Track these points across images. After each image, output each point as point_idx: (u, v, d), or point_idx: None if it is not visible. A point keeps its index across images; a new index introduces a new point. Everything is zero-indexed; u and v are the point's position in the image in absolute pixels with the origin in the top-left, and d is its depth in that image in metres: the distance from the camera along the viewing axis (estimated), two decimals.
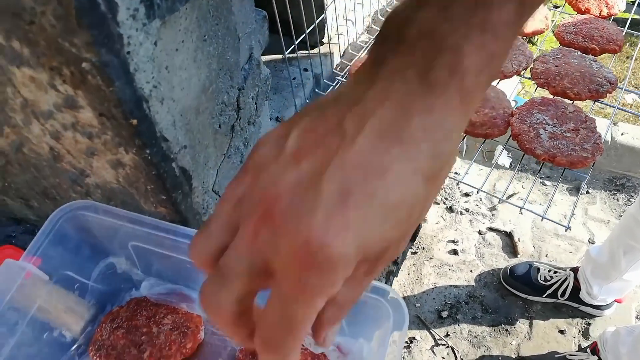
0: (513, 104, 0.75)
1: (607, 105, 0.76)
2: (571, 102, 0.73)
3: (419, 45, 0.22)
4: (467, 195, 1.87)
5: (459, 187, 1.89)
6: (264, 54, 0.85)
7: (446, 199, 1.87)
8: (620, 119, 2.08)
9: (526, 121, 0.70)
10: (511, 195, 1.83)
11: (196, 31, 0.47)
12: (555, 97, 0.74)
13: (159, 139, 0.40)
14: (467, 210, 1.83)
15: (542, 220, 0.75)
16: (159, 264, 0.55)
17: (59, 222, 0.48)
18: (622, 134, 1.77)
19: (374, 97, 0.22)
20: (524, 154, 0.69)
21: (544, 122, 0.70)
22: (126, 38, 0.33)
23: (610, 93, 0.73)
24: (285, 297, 0.23)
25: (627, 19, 0.87)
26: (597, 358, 1.37)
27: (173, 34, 0.44)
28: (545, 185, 1.87)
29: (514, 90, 0.80)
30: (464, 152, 1.97)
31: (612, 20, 0.84)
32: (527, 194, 0.72)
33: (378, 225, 0.22)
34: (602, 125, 1.81)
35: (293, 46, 0.72)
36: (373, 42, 0.27)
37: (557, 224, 0.66)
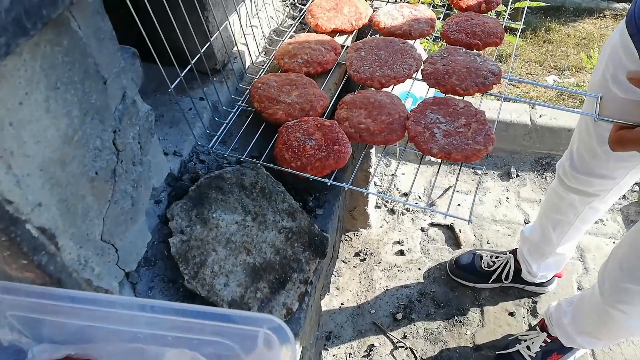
0: (408, 102, 0.76)
1: (494, 96, 0.79)
2: (461, 97, 0.75)
3: None
4: (405, 195, 1.90)
5: (397, 189, 1.92)
6: (154, 89, 0.83)
7: (386, 201, 1.89)
8: (539, 101, 2.18)
9: (421, 122, 0.71)
10: (447, 189, 1.87)
11: (43, 81, 0.45)
12: (446, 95, 0.76)
13: (0, 203, 0.37)
14: (407, 209, 1.86)
15: (445, 217, 0.75)
16: (48, 329, 0.51)
17: None
18: (540, 116, 1.85)
19: None
20: None
21: (437, 121, 0.71)
22: None
23: (496, 84, 0.75)
24: None
25: (506, 11, 0.91)
26: (547, 334, 1.41)
27: (12, 88, 0.41)
28: (477, 174, 1.93)
29: (410, 91, 0.82)
30: (397, 154, 2.00)
31: (495, 13, 0.88)
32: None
33: None
34: (521, 109, 1.89)
35: (179, 79, 0.70)
36: None
37: (460, 218, 0.67)
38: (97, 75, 0.52)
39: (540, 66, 3.10)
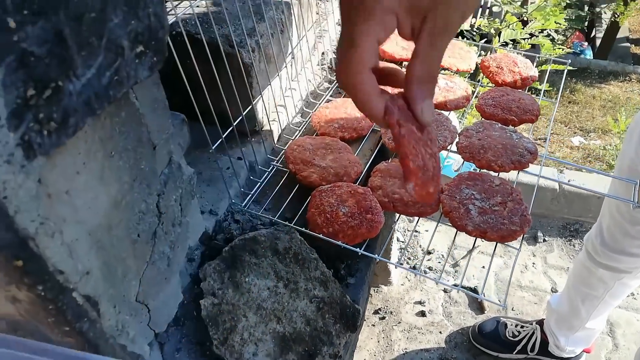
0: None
1: (530, 174, 0.78)
2: (497, 174, 0.75)
3: None
4: (429, 253, 1.88)
5: (419, 245, 1.90)
6: (195, 146, 0.85)
7: (409, 258, 1.86)
8: (566, 167, 2.17)
9: (456, 197, 0.71)
10: (472, 249, 1.84)
11: (100, 150, 0.47)
12: (481, 170, 0.76)
13: (52, 274, 0.38)
14: (430, 268, 1.83)
15: (457, 292, 0.74)
16: None
17: None
18: (569, 181, 1.83)
19: None
20: None
21: (472, 197, 0.71)
22: (1, 184, 0.32)
23: (532, 162, 0.75)
24: None
25: (541, 90, 0.93)
26: None
27: (72, 159, 0.43)
28: None
29: (442, 165, 0.82)
30: None
31: (527, 89, 0.89)
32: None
33: None
34: (549, 173, 1.88)
35: (221, 140, 0.72)
36: None
37: (491, 302, 0.66)
38: (148, 142, 0.54)
39: (566, 126, 3.09)
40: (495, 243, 0.70)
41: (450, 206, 0.70)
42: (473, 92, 0.93)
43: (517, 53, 1.01)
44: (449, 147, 0.81)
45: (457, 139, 0.81)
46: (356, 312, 0.64)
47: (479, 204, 0.70)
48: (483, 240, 0.69)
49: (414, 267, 1.84)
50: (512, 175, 0.80)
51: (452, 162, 1.58)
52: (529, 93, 0.89)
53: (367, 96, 0.41)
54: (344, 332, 0.63)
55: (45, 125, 0.35)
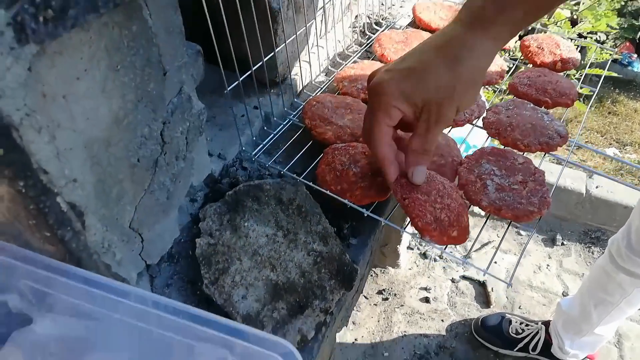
0: (461, 148, 0.73)
1: (558, 157, 0.74)
2: (522, 153, 0.71)
3: None
4: None
5: None
6: (212, 90, 0.83)
7: (420, 244, 1.83)
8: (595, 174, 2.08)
9: (474, 171, 0.68)
10: (485, 244, 1.79)
11: (105, 59, 0.45)
12: (505, 147, 0.72)
13: (35, 171, 0.37)
14: (440, 257, 1.79)
15: (484, 275, 0.70)
16: (58, 306, 0.50)
17: None
18: (596, 187, 1.75)
19: None
20: None
21: (492, 172, 0.67)
22: None
23: (561, 146, 0.71)
24: None
25: (574, 75, 0.87)
26: None
27: (72, 62, 0.41)
28: (521, 235, 1.84)
29: (466, 139, 0.78)
30: None
31: (565, 75, 0.84)
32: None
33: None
34: (577, 176, 1.80)
35: (237, 82, 0.70)
36: None
37: (500, 280, 0.62)
38: (159, 66, 0.52)
39: (602, 137, 2.97)
40: (507, 224, 0.66)
41: (466, 179, 0.66)
42: (509, 70, 0.88)
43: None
44: (474, 122, 0.77)
45: (484, 114, 0.77)
46: (354, 271, 0.62)
47: (497, 180, 0.66)
48: (493, 217, 0.65)
49: (424, 254, 1.80)
50: (536, 162, 0.76)
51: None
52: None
53: (382, 161, 0.57)
54: (338, 289, 0.60)
55: (41, 11, 0.33)
